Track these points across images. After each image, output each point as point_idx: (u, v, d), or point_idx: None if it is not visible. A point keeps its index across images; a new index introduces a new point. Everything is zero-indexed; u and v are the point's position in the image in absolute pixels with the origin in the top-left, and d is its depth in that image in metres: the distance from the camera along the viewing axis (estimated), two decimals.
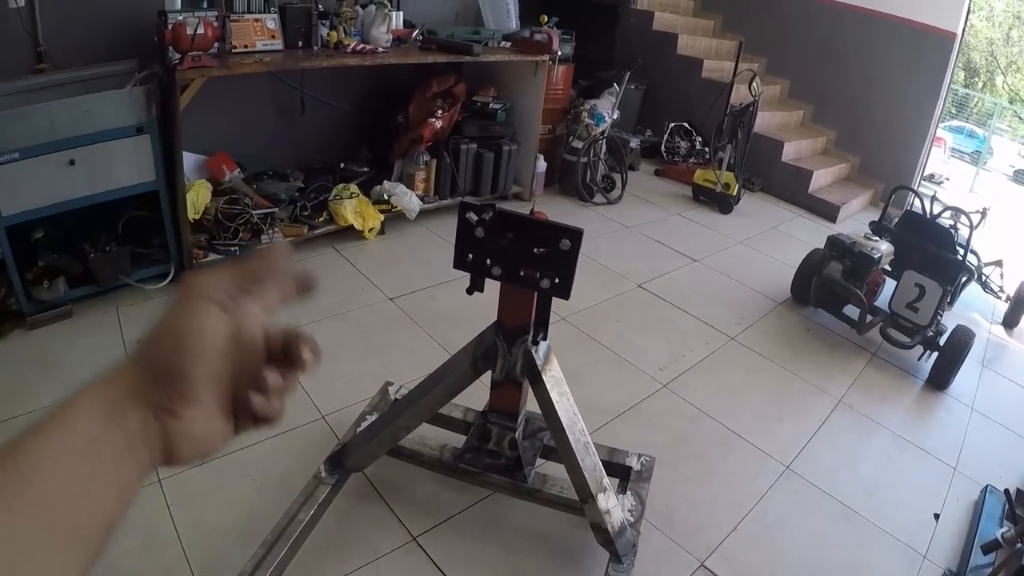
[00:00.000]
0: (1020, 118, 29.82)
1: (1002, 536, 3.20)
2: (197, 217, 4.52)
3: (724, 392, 4.22)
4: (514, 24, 6.42)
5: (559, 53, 6.21)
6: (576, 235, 2.08)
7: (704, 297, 5.36)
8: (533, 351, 2.38)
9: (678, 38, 8.92)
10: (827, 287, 5.02)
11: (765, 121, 8.37)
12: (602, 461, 2.66)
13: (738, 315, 5.17)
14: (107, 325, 3.97)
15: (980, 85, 32.70)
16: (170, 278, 4.34)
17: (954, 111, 24.15)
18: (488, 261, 2.19)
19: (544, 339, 2.41)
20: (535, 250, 2.12)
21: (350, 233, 5.26)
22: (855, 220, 7.88)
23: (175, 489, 2.93)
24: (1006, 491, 3.66)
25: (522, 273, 2.17)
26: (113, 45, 4.39)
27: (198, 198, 4.54)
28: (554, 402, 2.39)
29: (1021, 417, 4.62)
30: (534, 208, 6.08)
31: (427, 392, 2.61)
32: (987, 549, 3.22)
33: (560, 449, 2.50)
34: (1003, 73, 32.53)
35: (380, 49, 5.08)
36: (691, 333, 4.84)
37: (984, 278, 6.25)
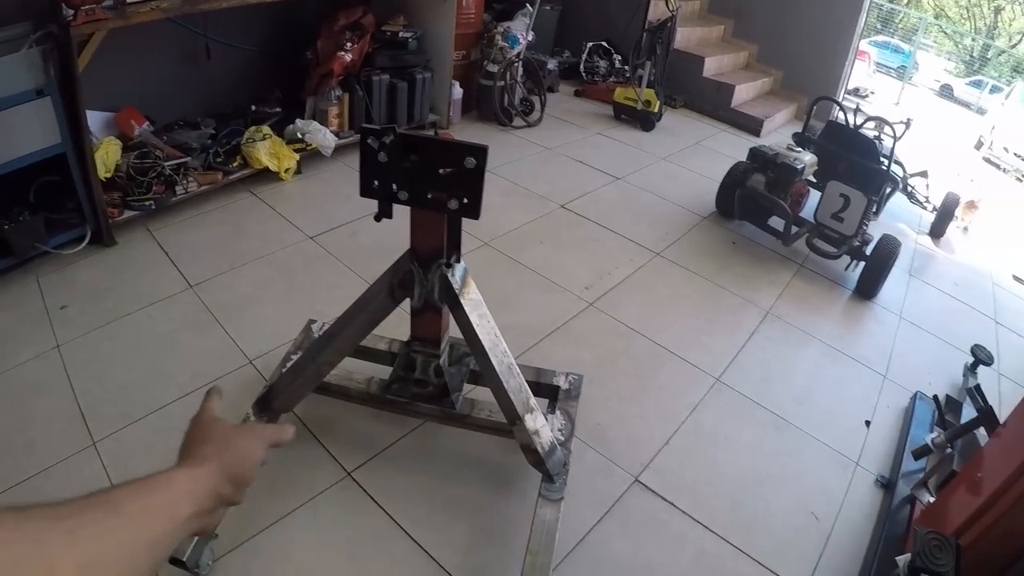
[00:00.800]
0: (946, 33, 30.42)
1: (932, 441, 3.27)
2: (109, 175, 4.39)
3: (652, 308, 4.24)
4: None
5: None
6: (480, 152, 2.03)
7: (628, 215, 5.35)
8: (449, 275, 2.34)
9: None
10: (751, 199, 5.03)
11: (685, 37, 8.36)
12: (530, 382, 2.65)
13: (663, 231, 5.17)
14: (28, 294, 3.85)
15: (905, 1, 32.98)
16: (87, 239, 4.22)
17: (880, 26, 24.49)
18: (394, 186, 2.14)
19: (458, 262, 2.38)
20: (440, 171, 2.08)
21: (266, 175, 5.15)
22: (779, 134, 7.93)
23: (110, 451, 2.90)
24: (935, 397, 3.73)
25: (429, 196, 2.13)
26: (3, 9, 4.20)
27: (108, 156, 4.41)
28: (474, 325, 2.37)
29: (949, 324, 4.73)
30: (438, 130, 6.01)
31: (347, 325, 2.56)
32: (918, 454, 3.29)
33: (484, 372, 2.48)
34: None
35: None
36: (616, 251, 4.83)
37: (910, 189, 6.35)
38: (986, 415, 3.16)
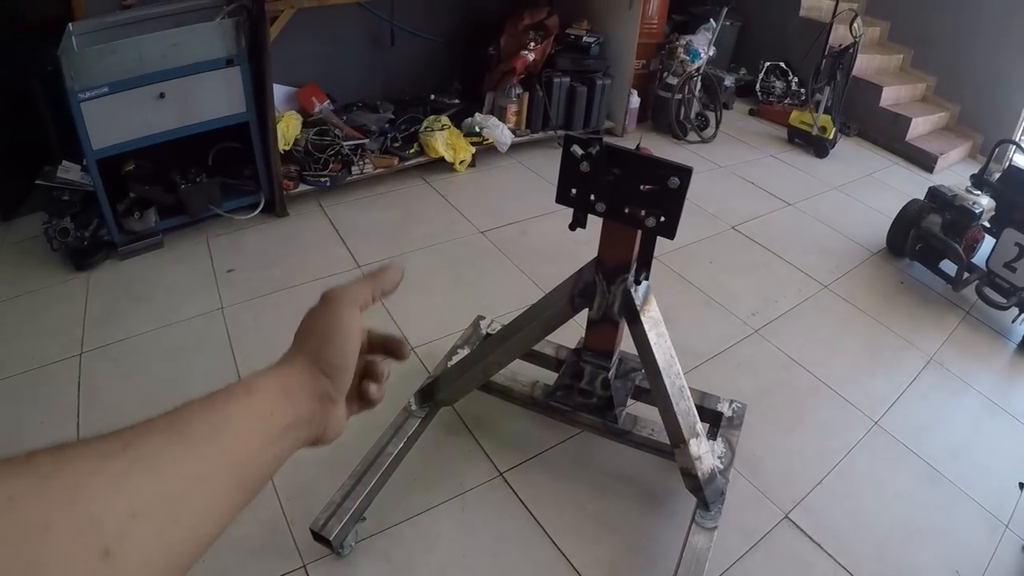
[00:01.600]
0: None
1: None
2: (287, 148, 4.55)
3: (815, 341, 4.14)
4: None
5: None
6: (685, 173, 2.03)
7: (798, 242, 5.24)
8: (633, 291, 2.34)
9: None
10: (925, 240, 4.86)
11: (863, 64, 8.09)
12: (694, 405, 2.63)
13: (832, 263, 5.04)
14: (197, 254, 4.04)
15: None
16: (260, 207, 4.37)
17: None
18: (592, 197, 2.15)
19: (646, 279, 2.37)
20: (641, 187, 2.08)
21: (441, 165, 5.26)
22: (952, 172, 7.62)
23: None
24: None
25: (627, 210, 2.14)
26: None
27: (288, 129, 4.56)
28: (651, 343, 2.36)
29: None
30: (640, 143, 5.98)
31: (521, 328, 2.59)
32: None
33: (655, 391, 2.47)
34: None
35: None
36: (784, 279, 4.74)
37: None
38: None
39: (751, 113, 8.12)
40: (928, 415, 3.77)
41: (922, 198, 5.09)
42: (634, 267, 2.32)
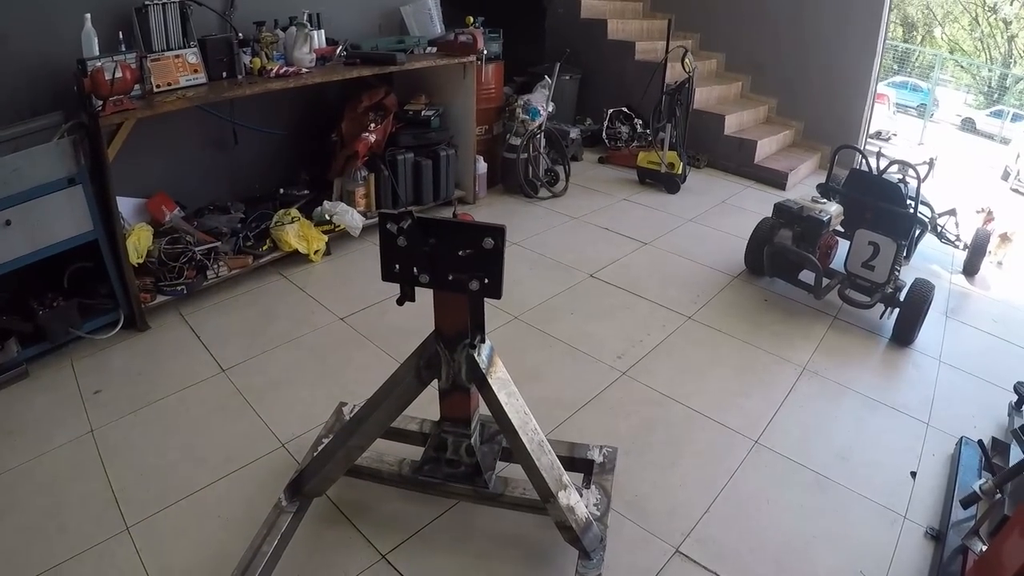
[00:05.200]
0: (962, 67, 30.58)
1: (980, 488, 3.14)
2: (141, 261, 4.45)
3: (686, 373, 4.18)
4: (438, 28, 6.35)
5: (485, 52, 6.19)
6: (498, 232, 2.05)
7: (657, 280, 5.31)
8: (475, 355, 2.33)
9: (607, 23, 8.93)
10: (780, 255, 4.98)
11: (704, 96, 8.41)
12: (563, 457, 2.64)
13: (693, 294, 5.13)
14: (63, 379, 3.91)
15: (919, 39, 33.37)
16: (120, 324, 4.27)
17: (896, 67, 24.69)
18: (415, 269, 2.15)
19: (483, 341, 2.37)
20: (460, 252, 2.08)
21: (296, 258, 5.20)
22: (804, 185, 7.91)
23: (144, 535, 2.90)
24: (980, 442, 3.63)
25: (450, 277, 2.14)
26: (36, 100, 4.29)
27: (140, 242, 4.47)
28: (503, 404, 2.36)
29: (990, 364, 4.61)
30: (456, 211, 6.03)
31: (375, 409, 2.56)
32: (966, 503, 3.17)
33: (515, 451, 2.46)
34: (940, 24, 33.13)
35: (304, 70, 5.03)
36: (647, 317, 4.79)
37: (940, 228, 6.29)
38: None
39: (600, 161, 8.32)
40: (809, 424, 3.84)
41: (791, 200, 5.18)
42: (470, 332, 2.31)
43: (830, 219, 4.83)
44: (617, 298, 5.04)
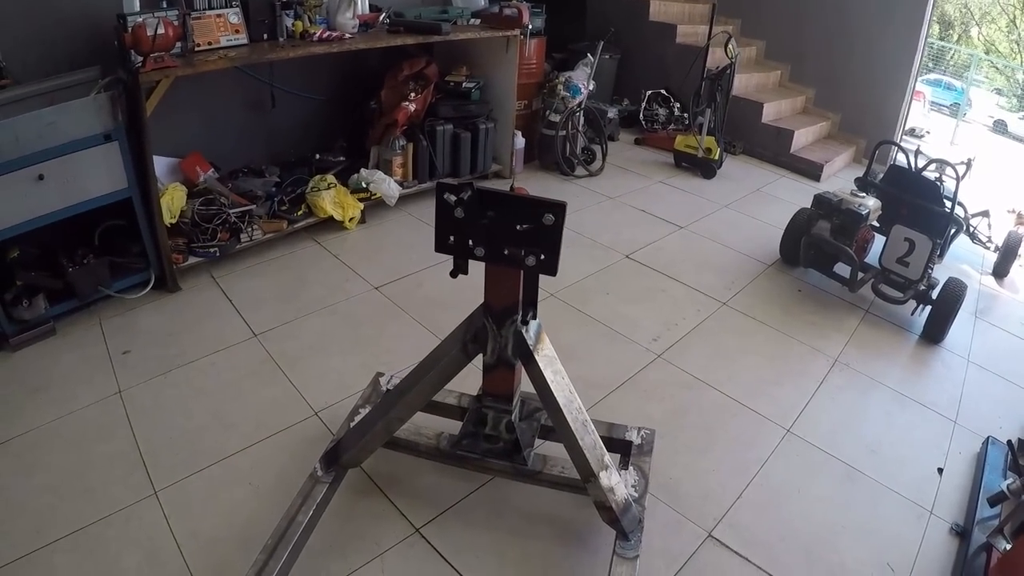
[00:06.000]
0: (996, 68, 30.47)
1: (1008, 488, 3.14)
2: (174, 221, 4.43)
3: (720, 359, 4.17)
4: (482, 1, 6.31)
5: (529, 27, 6.12)
6: (559, 209, 2.02)
7: (693, 264, 5.30)
8: (523, 331, 2.32)
9: (650, 4, 8.81)
10: (816, 246, 4.97)
11: (743, 83, 8.32)
12: (602, 437, 2.61)
13: (728, 280, 5.12)
14: (91, 338, 3.90)
15: (955, 37, 33.14)
16: (151, 285, 4.26)
17: (931, 64, 24.44)
18: (471, 242, 2.14)
19: (534, 318, 2.36)
20: (518, 227, 2.07)
21: (331, 224, 5.20)
22: (839, 178, 7.85)
23: (172, 500, 2.90)
24: (1008, 442, 3.63)
25: (506, 252, 2.12)
26: (74, 54, 4.27)
27: (173, 202, 4.46)
28: (549, 382, 2.34)
29: (1017, 367, 4.57)
30: (514, 184, 6.01)
31: (418, 381, 2.55)
32: (994, 501, 3.17)
33: (558, 429, 2.45)
34: (978, 24, 32.85)
35: (347, 35, 4.99)
36: (682, 301, 4.78)
37: (972, 229, 6.24)
38: None
39: (637, 142, 8.26)
40: (839, 416, 3.83)
41: (809, 206, 5.17)
42: (521, 308, 2.30)
43: (868, 213, 4.80)
44: (652, 280, 5.03)
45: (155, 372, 3.66)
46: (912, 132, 14.20)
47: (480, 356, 2.46)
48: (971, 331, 4.95)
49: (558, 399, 2.36)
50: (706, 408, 3.75)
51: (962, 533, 3.14)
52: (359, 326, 4.17)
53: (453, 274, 2.21)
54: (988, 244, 6.29)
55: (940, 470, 3.54)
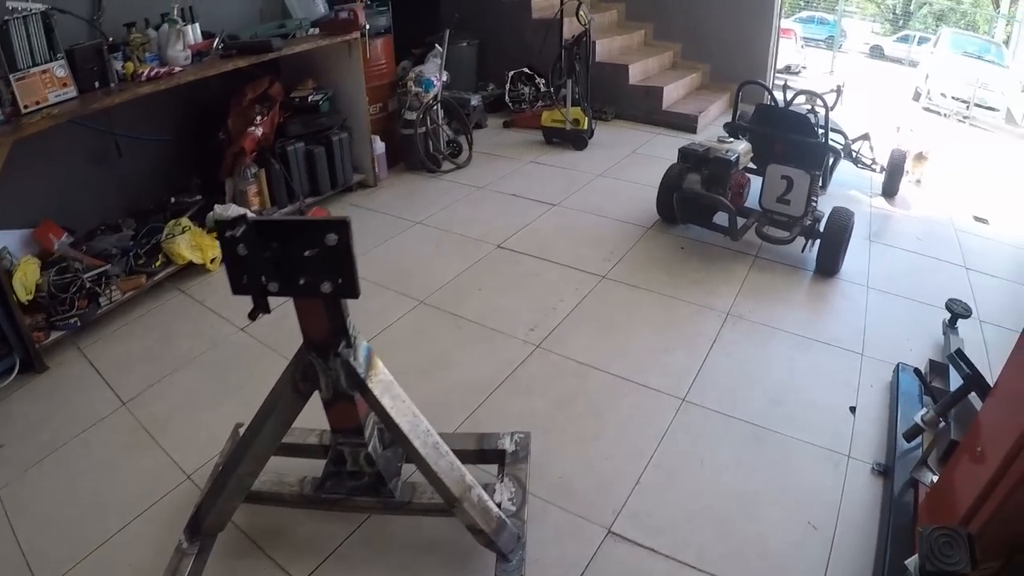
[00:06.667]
0: None
1: (922, 419, 3.04)
2: (30, 298, 4.17)
3: (603, 337, 4.04)
4: (322, 8, 6.06)
5: (367, 27, 5.92)
6: (341, 226, 1.85)
7: (568, 242, 5.16)
8: (351, 360, 2.14)
9: None
10: (690, 201, 4.85)
11: (606, 48, 8.34)
12: (472, 451, 2.52)
13: (607, 251, 4.99)
14: None
15: None
16: (16, 370, 4.01)
17: (802, 3, 26.49)
18: (263, 278, 1.95)
19: (348, 346, 2.17)
20: (306, 253, 1.88)
21: (194, 269, 4.95)
22: (715, 126, 7.82)
23: None
24: (917, 370, 3.58)
25: (302, 281, 1.94)
26: None
27: (27, 277, 4.20)
28: (388, 409, 2.18)
29: (919, 284, 4.59)
30: (301, 207, 5.76)
31: (260, 430, 2.36)
32: (909, 436, 3.07)
33: (410, 456, 2.28)
34: None
35: (177, 68, 4.74)
36: (559, 282, 4.63)
37: (855, 154, 6.32)
38: (974, 381, 2.92)
39: (506, 125, 8.12)
40: (738, 373, 3.74)
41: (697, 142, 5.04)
42: (335, 337, 2.12)
43: (738, 157, 4.71)
44: (527, 266, 4.87)
45: (31, 462, 3.43)
46: (788, 69, 14.61)
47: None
48: (867, 256, 4.96)
49: (401, 426, 2.19)
50: (593, 393, 3.61)
51: (885, 471, 3.07)
52: (227, 374, 3.95)
53: (252, 315, 2.03)
54: (873, 166, 6.38)
55: (852, 409, 3.47)
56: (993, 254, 5.40)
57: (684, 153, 4.87)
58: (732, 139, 4.88)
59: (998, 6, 27.61)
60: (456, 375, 3.63)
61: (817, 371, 3.75)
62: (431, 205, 5.86)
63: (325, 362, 2.16)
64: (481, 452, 2.78)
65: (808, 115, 5.13)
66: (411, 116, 6.49)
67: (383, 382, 2.21)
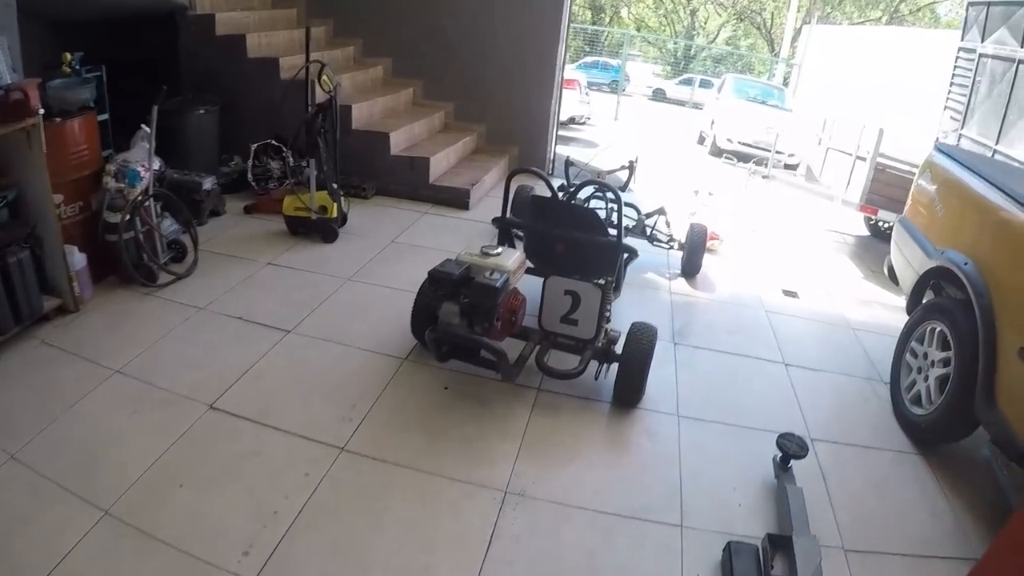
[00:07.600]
0: (649, 42, 36.48)
1: None
2: None
3: (340, 559, 2.87)
4: (7, 79, 4.50)
5: (42, 111, 4.35)
6: None
7: (300, 391, 3.93)
8: None
9: (246, 38, 7.49)
10: (447, 341, 3.81)
11: (366, 112, 7.55)
12: None
13: (349, 403, 3.81)
14: None
15: (608, 20, 37.85)
16: None
17: (587, 48, 27.91)
18: None
19: None
20: None
21: None
22: (492, 197, 7.35)
23: None
24: (756, 548, 2.99)
25: None
26: None
27: None
28: None
29: (736, 400, 4.26)
30: None
31: None
32: None
33: None
34: (627, 5, 37.96)
35: None
36: (285, 465, 3.37)
37: (650, 231, 5.98)
38: None
39: (247, 211, 6.72)
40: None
41: (454, 258, 4.00)
42: None
43: (506, 280, 3.77)
44: (245, 440, 3.55)
45: None
46: (572, 121, 14.46)
47: None
48: (673, 368, 4.46)
49: None
50: None
51: None
52: None
53: None
54: (671, 243, 6.08)
55: None
56: (809, 338, 5.25)
57: (435, 278, 3.82)
58: (498, 250, 3.95)
59: (774, 50, 29.49)
60: None
61: (626, 565, 2.96)
62: (138, 340, 4.38)
63: None
64: None
65: (594, 211, 4.59)
66: (114, 218, 4.96)
67: None
